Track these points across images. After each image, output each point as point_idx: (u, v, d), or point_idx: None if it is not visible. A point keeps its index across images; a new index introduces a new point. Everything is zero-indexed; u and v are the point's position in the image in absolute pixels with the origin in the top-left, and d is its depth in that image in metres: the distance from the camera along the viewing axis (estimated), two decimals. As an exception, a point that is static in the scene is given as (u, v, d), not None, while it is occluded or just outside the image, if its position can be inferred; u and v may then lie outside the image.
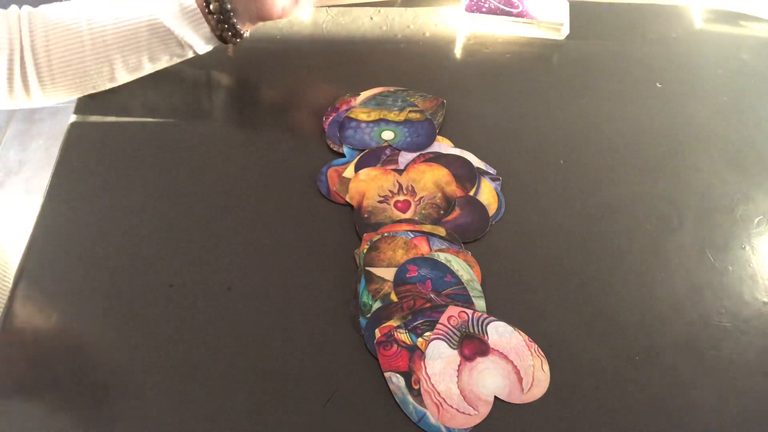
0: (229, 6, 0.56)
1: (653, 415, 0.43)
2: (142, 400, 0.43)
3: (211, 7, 0.55)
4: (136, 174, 0.56)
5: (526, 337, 0.46)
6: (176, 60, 0.59)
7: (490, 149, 0.58)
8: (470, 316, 0.46)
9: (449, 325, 0.46)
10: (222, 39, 0.59)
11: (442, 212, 0.53)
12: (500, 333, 0.46)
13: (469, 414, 0.42)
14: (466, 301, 0.47)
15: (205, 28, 0.57)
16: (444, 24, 0.71)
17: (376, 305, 0.47)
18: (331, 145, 0.58)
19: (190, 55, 0.59)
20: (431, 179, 0.55)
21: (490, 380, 0.44)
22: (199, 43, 0.58)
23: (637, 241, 0.52)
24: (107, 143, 0.58)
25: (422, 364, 0.44)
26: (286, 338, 0.46)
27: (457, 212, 0.53)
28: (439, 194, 0.54)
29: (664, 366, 0.45)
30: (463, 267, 0.49)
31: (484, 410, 0.42)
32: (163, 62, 0.59)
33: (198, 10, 0.55)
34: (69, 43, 0.54)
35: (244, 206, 0.54)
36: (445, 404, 0.42)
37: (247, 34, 0.60)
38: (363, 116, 0.60)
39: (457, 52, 0.69)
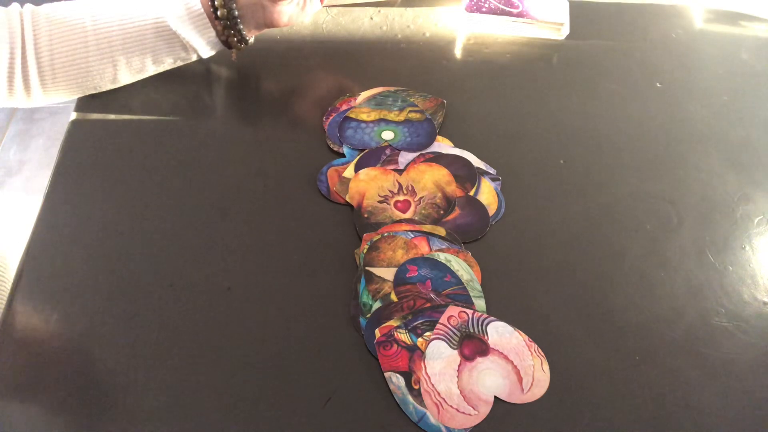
0: (236, 12, 0.55)
1: (653, 415, 0.43)
2: (142, 399, 0.43)
3: (219, 12, 0.55)
4: (136, 174, 0.56)
5: (526, 337, 0.46)
6: (179, 63, 0.59)
7: (490, 149, 0.58)
8: (470, 316, 0.46)
9: (449, 325, 0.46)
10: (227, 44, 0.59)
11: (442, 212, 0.53)
12: (500, 333, 0.46)
13: (469, 414, 0.42)
14: (466, 301, 0.47)
15: (211, 33, 0.57)
16: (444, 24, 0.71)
17: (376, 305, 0.47)
18: (331, 145, 0.58)
19: (194, 58, 0.59)
20: (431, 179, 0.55)
21: (490, 380, 0.44)
22: (204, 47, 0.58)
23: (637, 241, 0.52)
24: (107, 143, 0.58)
25: (422, 364, 0.44)
26: (286, 338, 0.46)
27: (457, 212, 0.53)
28: (439, 194, 0.54)
29: (664, 366, 0.45)
30: (463, 267, 0.49)
31: (484, 410, 0.42)
32: (166, 65, 0.59)
33: (204, 15, 0.55)
34: (73, 41, 0.54)
35: (244, 206, 0.54)
36: (445, 404, 0.42)
37: (252, 40, 0.60)
38: (363, 116, 0.60)
39: (457, 52, 0.69)
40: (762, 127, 0.62)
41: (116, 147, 0.58)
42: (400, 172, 0.56)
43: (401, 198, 0.54)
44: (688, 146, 0.60)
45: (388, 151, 0.57)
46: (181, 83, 0.63)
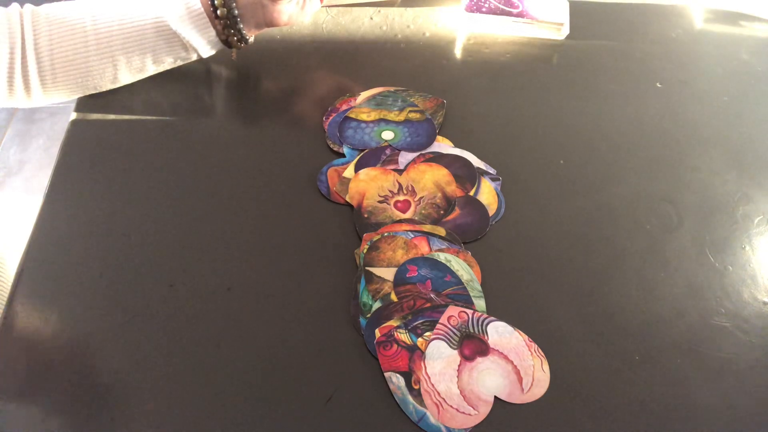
0: (236, 11, 0.56)
1: (653, 415, 0.43)
2: (142, 399, 0.43)
3: (219, 12, 0.55)
4: (136, 174, 0.56)
5: (526, 337, 0.46)
6: (179, 63, 0.59)
7: (490, 149, 0.58)
8: (470, 316, 0.46)
9: (449, 325, 0.46)
10: (227, 44, 0.59)
11: (442, 212, 0.53)
12: (500, 333, 0.46)
13: (469, 414, 0.42)
14: (466, 301, 0.47)
15: (211, 33, 0.57)
16: (444, 24, 0.71)
17: (376, 305, 0.47)
18: (331, 145, 0.58)
19: (194, 58, 0.59)
20: (431, 179, 0.55)
21: (490, 380, 0.44)
22: (204, 47, 0.58)
23: (637, 241, 0.52)
24: (108, 142, 0.58)
25: (422, 364, 0.44)
26: (286, 338, 0.46)
27: (457, 212, 0.53)
28: (439, 194, 0.54)
29: (664, 366, 0.45)
30: (463, 267, 0.49)
31: (484, 410, 0.42)
32: (166, 65, 0.59)
33: (204, 14, 0.55)
34: (73, 41, 0.54)
35: (244, 206, 0.54)
36: (445, 404, 0.42)
37: (252, 40, 0.60)
38: (363, 116, 0.60)
39: (457, 52, 0.69)
40: (762, 127, 0.62)
41: (116, 147, 0.58)
42: (400, 172, 0.56)
43: (401, 198, 0.54)
44: (688, 146, 0.60)
45: (388, 151, 0.57)
46: (181, 83, 0.63)
